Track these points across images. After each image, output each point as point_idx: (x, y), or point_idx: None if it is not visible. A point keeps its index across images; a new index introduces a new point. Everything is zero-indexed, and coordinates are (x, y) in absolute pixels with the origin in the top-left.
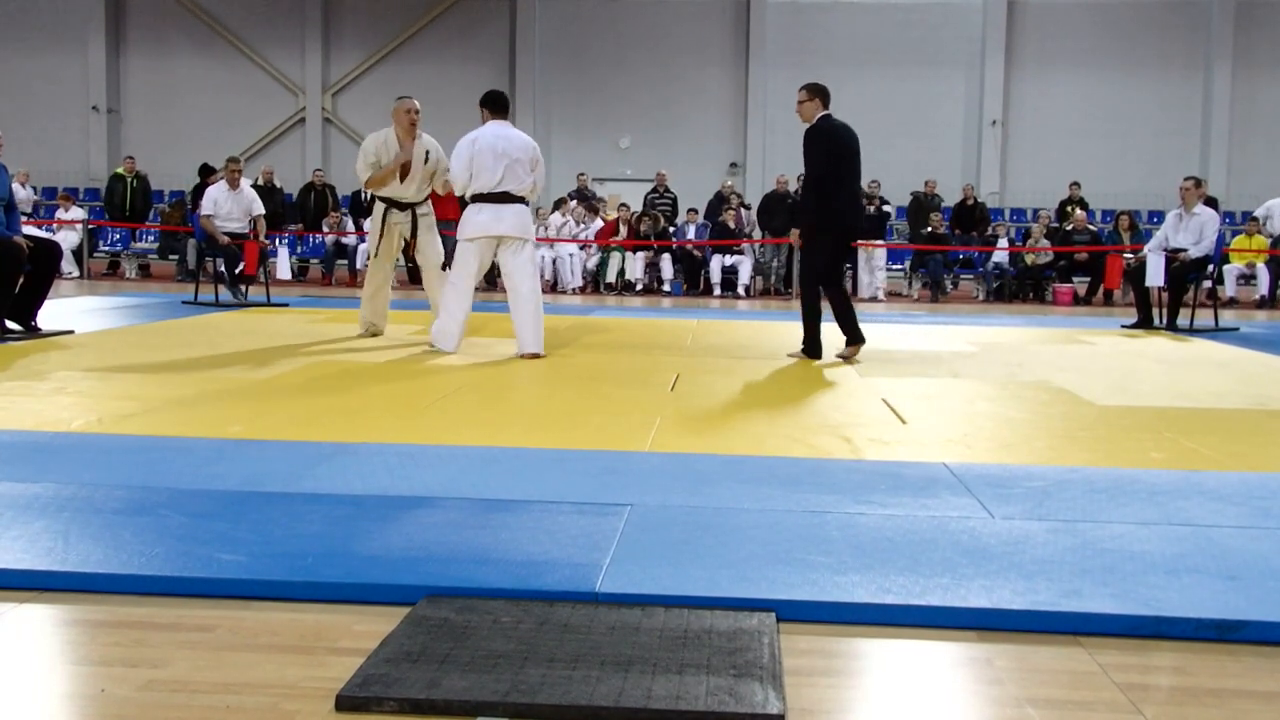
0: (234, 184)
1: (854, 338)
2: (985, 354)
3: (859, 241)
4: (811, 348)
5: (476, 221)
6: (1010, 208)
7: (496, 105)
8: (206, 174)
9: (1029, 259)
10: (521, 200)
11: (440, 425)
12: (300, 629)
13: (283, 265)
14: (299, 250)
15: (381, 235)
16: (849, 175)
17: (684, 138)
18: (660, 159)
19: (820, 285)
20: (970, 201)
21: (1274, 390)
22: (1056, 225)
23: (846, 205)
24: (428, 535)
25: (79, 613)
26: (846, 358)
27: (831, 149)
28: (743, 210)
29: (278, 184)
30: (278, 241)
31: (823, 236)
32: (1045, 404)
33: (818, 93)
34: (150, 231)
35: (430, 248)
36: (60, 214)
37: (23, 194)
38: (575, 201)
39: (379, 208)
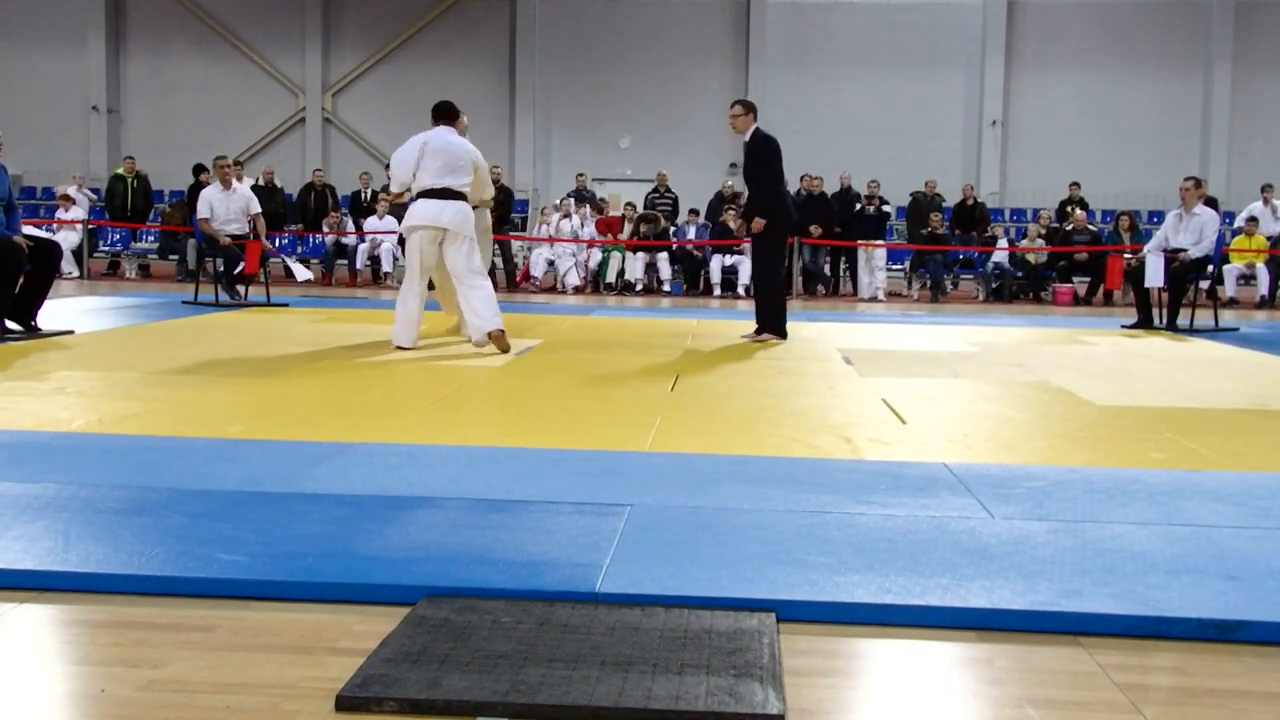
0: (226, 184)
1: (766, 326)
2: (985, 354)
3: (860, 241)
4: (777, 329)
5: (419, 212)
6: (1010, 208)
7: (437, 112)
8: (199, 174)
9: (1032, 259)
10: (462, 197)
11: (440, 425)
12: (300, 629)
13: (300, 271)
14: (299, 250)
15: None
16: (783, 179)
17: (684, 138)
18: (660, 159)
19: (769, 272)
20: (970, 202)
21: (1274, 390)
22: (1057, 225)
23: (791, 204)
24: (428, 535)
25: (79, 613)
26: (750, 337)
27: (779, 157)
28: None
29: (278, 184)
30: (277, 242)
31: (777, 232)
32: (1045, 404)
33: (752, 108)
34: (150, 232)
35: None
36: (60, 214)
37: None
38: (575, 202)
39: None
